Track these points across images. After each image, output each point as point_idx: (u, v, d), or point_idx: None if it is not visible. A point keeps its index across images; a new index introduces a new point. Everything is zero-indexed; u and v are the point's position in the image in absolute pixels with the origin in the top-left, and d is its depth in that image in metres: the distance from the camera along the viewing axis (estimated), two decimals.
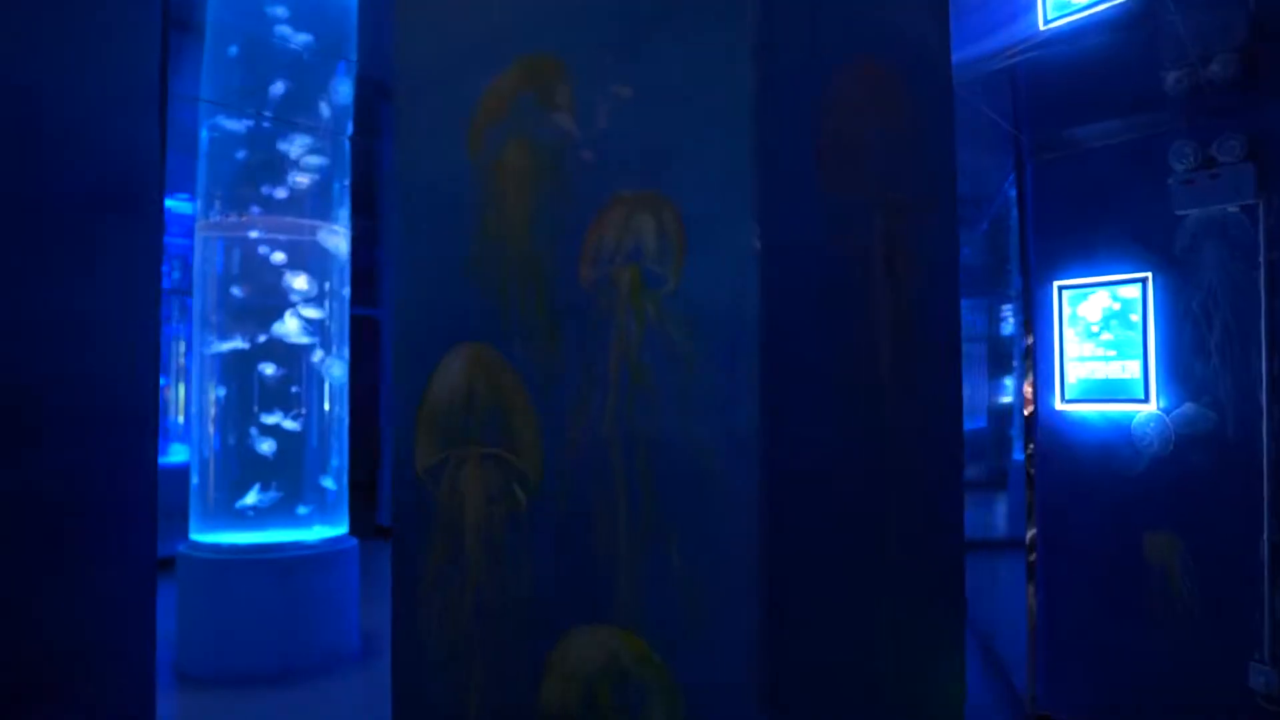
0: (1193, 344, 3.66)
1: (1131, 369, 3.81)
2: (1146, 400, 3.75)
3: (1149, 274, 3.75)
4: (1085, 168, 3.97)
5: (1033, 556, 4.28)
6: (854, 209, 1.35)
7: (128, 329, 2.30)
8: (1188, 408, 3.67)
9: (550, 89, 1.37)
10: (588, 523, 1.29)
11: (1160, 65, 3.64)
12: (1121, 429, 3.83)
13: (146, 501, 2.32)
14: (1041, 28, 3.93)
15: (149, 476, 2.33)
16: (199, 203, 5.32)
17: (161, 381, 10.31)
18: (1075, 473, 4.00)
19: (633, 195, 1.27)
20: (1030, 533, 4.30)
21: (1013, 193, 4.42)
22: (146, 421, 2.32)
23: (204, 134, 5.30)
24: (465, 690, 1.44)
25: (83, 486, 2.19)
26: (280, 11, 5.26)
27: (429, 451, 1.53)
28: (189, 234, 5.64)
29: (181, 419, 9.66)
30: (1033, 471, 4.25)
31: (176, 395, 10.04)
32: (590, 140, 1.33)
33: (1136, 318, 3.80)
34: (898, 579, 1.38)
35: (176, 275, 9.87)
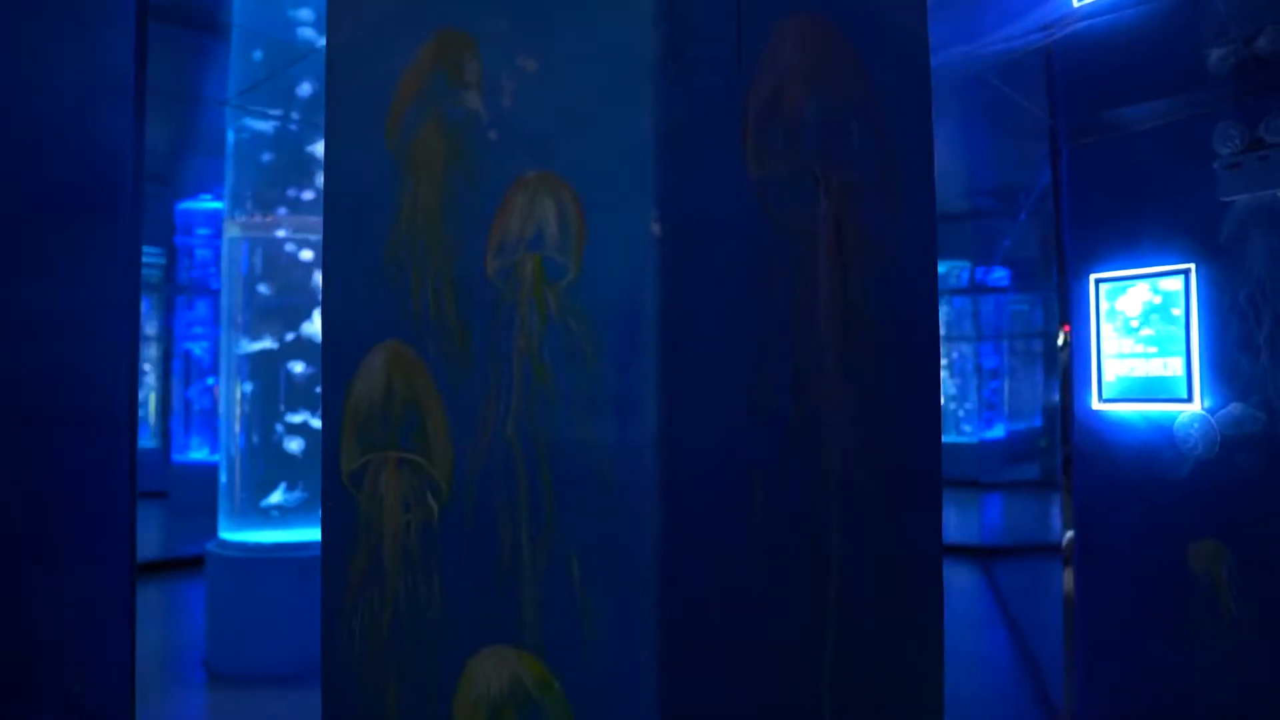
0: (1239, 339, 3.42)
1: (1173, 366, 3.58)
2: (1190, 400, 3.52)
3: (1192, 265, 3.52)
4: (1123, 153, 3.75)
5: (1069, 564, 4.06)
6: (790, 189, 1.23)
7: (102, 328, 2.28)
8: (1234, 407, 3.43)
9: (460, 66, 1.28)
10: (494, 535, 1.20)
11: (1203, 41, 3.41)
12: (1163, 430, 3.60)
13: (122, 501, 2.30)
14: (1075, 4, 3.72)
15: (124, 476, 2.30)
16: (226, 204, 5.37)
17: (210, 381, 10.47)
18: (1114, 476, 3.78)
19: (535, 178, 1.17)
20: (1067, 537, 4.09)
21: (1047, 180, 4.21)
22: (121, 421, 2.30)
23: (230, 135, 5.34)
24: (382, 706, 1.36)
25: (55, 485, 2.17)
26: (304, 14, 5.27)
27: (352, 455, 1.44)
28: None
29: None
30: (1069, 475, 4.04)
31: None
32: (496, 119, 1.23)
33: (1179, 312, 3.57)
34: (845, 603, 1.25)
35: None
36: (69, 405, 2.20)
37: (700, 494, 1.06)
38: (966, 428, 12.22)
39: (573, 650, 1.09)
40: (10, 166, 2.12)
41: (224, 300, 5.39)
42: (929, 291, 1.54)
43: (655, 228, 1.03)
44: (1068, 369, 4.02)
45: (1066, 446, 4.05)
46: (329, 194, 1.51)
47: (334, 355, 1.49)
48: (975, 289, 11.16)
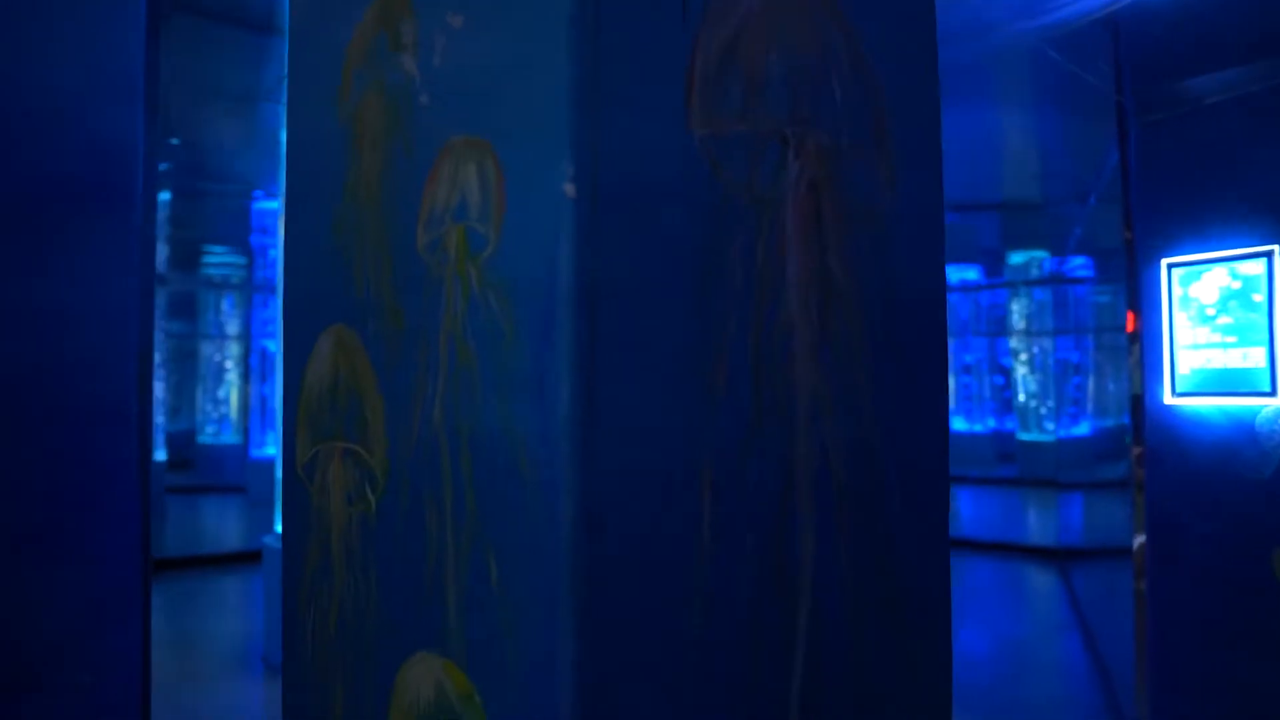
0: None
1: (1255, 357, 3.30)
2: (1273, 393, 3.24)
3: (1275, 246, 3.24)
4: (1198, 127, 3.48)
5: (1141, 570, 3.80)
6: (751, 150, 1.10)
7: (112, 323, 2.27)
8: None
9: (398, 27, 1.19)
10: (422, 532, 1.10)
11: None
12: (1243, 426, 3.33)
13: (132, 496, 2.29)
14: None
15: (133, 471, 2.29)
16: (280, 202, 5.43)
17: None
18: (1190, 476, 3.51)
19: (460, 142, 1.07)
20: (1138, 541, 3.82)
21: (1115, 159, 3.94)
22: (130, 417, 2.28)
23: (284, 135, 5.40)
24: (331, 710, 1.28)
25: (63, 481, 2.17)
26: None
27: (305, 446, 1.37)
28: None
29: None
30: (1141, 474, 3.77)
31: None
32: (428, 81, 1.14)
33: (1260, 298, 3.29)
34: (820, 622, 1.12)
35: None
36: (77, 401, 2.20)
37: (630, 488, 0.95)
38: (1050, 425, 11.75)
39: (493, 661, 0.99)
40: (15, 161, 2.12)
41: (278, 300, 5.46)
42: (934, 268, 1.39)
43: (569, 189, 0.93)
44: (1138, 362, 3.76)
45: (1138, 444, 3.79)
46: (288, 170, 1.44)
47: (291, 340, 1.42)
48: (1055, 280, 10.69)
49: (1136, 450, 3.81)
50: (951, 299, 14.05)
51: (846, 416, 1.20)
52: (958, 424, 13.83)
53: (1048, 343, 11.75)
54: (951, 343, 15.86)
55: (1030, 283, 11.73)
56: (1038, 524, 9.42)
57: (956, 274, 13.32)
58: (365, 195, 1.24)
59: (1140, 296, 3.72)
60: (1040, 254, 11.31)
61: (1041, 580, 7.25)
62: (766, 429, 1.08)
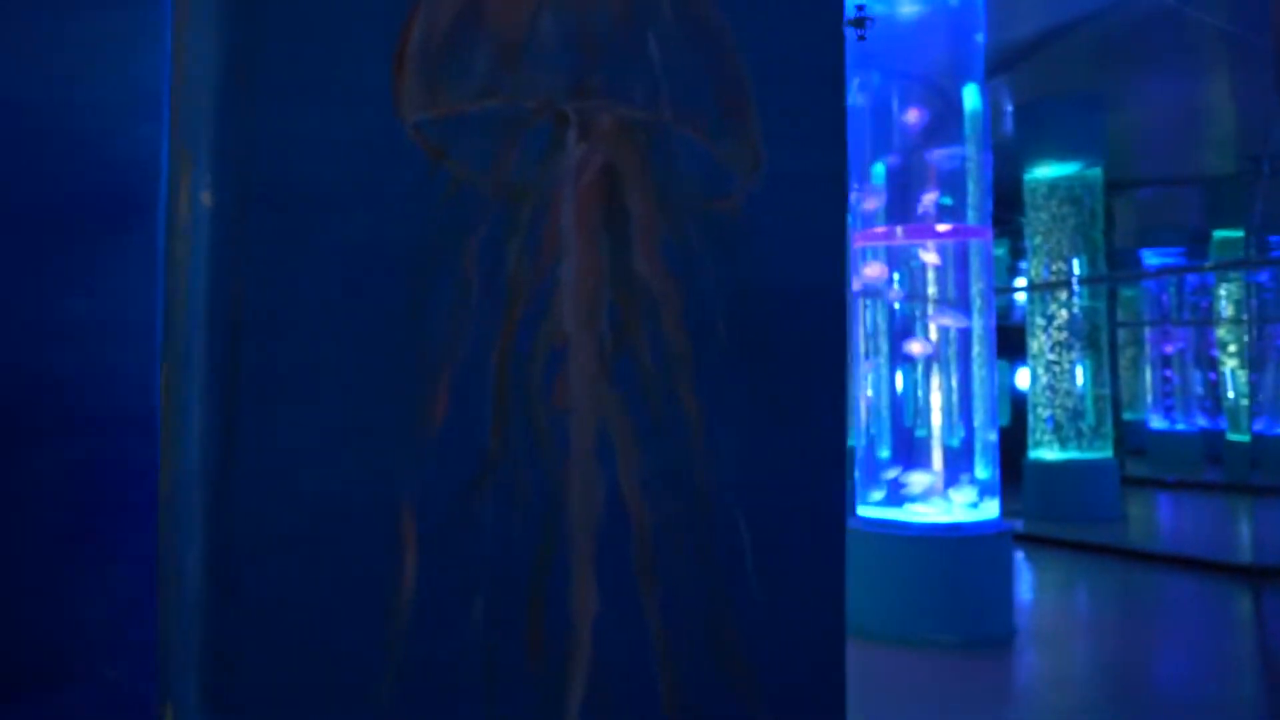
0: None
1: None
2: None
3: None
4: None
5: None
6: (504, 131, 0.93)
7: (130, 336, 2.34)
8: None
9: None
10: None
11: None
12: None
13: (152, 500, 2.35)
14: None
15: (155, 476, 2.35)
16: None
17: None
18: None
19: None
20: None
21: None
22: (152, 424, 2.35)
23: None
24: None
25: (81, 486, 2.27)
26: None
27: None
28: None
29: None
30: None
31: None
32: None
33: None
34: (608, 699, 0.94)
35: None
36: (100, 409, 2.28)
37: (284, 545, 0.81)
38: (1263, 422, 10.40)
39: None
40: (35, 177, 2.23)
41: None
42: (824, 264, 1.15)
43: (205, 197, 0.80)
44: None
45: None
46: None
47: None
48: (1266, 261, 9.42)
49: None
50: (1149, 285, 12.68)
51: (661, 449, 1.00)
52: (1156, 422, 12.52)
53: (1262, 330, 10.39)
54: (1149, 332, 14.25)
55: (1225, 265, 10.41)
56: (1231, 538, 8.33)
57: (1152, 257, 12.04)
58: None
59: None
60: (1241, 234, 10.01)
61: (1226, 603, 6.39)
62: (514, 466, 0.91)
